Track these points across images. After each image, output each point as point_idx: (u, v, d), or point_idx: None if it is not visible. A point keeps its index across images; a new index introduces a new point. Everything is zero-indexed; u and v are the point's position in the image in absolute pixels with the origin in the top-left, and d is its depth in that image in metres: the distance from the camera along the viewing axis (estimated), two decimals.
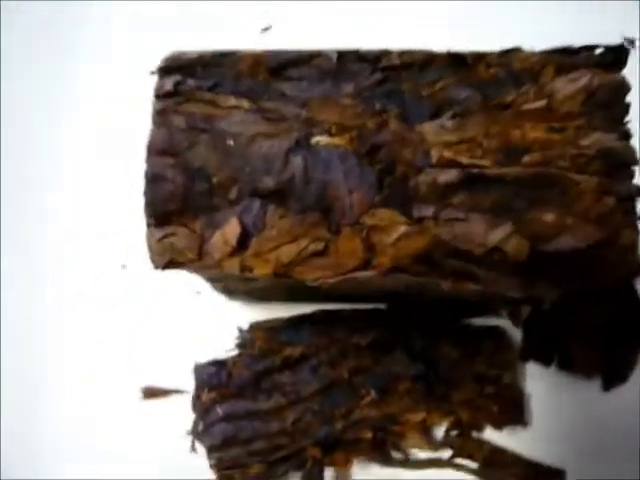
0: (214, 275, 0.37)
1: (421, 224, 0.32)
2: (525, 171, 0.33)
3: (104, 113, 0.60)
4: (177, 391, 0.53)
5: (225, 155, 0.33)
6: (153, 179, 0.33)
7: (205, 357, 0.52)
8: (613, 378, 0.53)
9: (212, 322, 0.55)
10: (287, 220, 0.33)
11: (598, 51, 0.35)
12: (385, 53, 0.34)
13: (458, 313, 0.52)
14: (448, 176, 0.33)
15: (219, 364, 0.50)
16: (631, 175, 0.33)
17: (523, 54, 0.35)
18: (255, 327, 0.52)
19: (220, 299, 0.54)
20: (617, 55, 0.35)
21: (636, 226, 0.32)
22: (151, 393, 0.53)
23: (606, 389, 0.53)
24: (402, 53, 0.34)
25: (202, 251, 0.33)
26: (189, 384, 0.51)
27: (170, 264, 0.33)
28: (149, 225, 0.33)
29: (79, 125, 0.60)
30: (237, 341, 0.52)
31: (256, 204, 0.33)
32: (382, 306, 0.52)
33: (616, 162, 0.33)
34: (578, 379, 0.53)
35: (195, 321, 0.55)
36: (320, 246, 0.33)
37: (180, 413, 0.51)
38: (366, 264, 0.32)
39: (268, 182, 0.33)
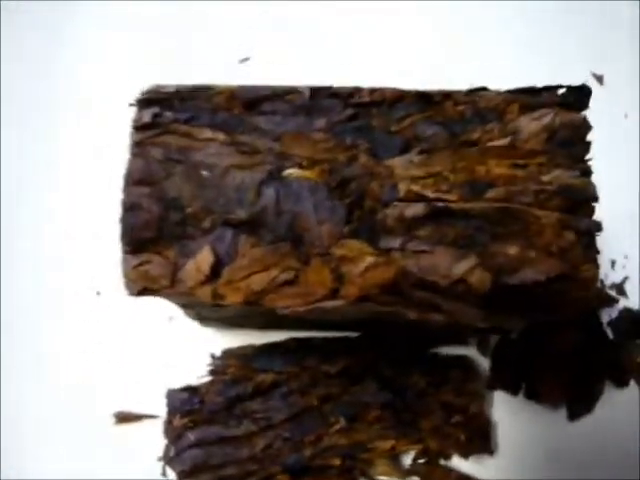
0: (187, 302, 0.38)
1: (388, 255, 0.33)
2: (489, 206, 0.34)
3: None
4: (149, 416, 0.53)
5: (200, 186, 0.34)
6: (130, 208, 0.34)
7: (178, 383, 0.52)
8: (579, 408, 0.54)
9: (185, 348, 0.55)
10: (259, 250, 0.34)
11: (561, 91, 0.37)
12: (357, 90, 0.36)
13: (427, 342, 0.53)
14: (415, 209, 0.34)
15: (191, 390, 0.50)
16: (591, 211, 0.34)
17: (489, 93, 0.36)
18: (228, 354, 0.52)
19: (193, 325, 0.55)
20: (579, 95, 0.36)
21: (596, 260, 0.34)
22: (123, 418, 0.53)
23: (572, 419, 0.54)
24: (373, 90, 0.35)
25: (175, 279, 0.34)
26: (162, 409, 0.52)
27: (144, 291, 0.34)
28: (125, 252, 0.34)
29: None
30: (210, 367, 0.52)
31: (229, 234, 0.34)
32: (352, 335, 0.53)
33: (576, 198, 0.34)
34: (544, 408, 0.54)
35: (168, 347, 0.56)
36: (290, 275, 0.33)
37: (152, 438, 0.52)
38: (335, 293, 0.33)
39: (241, 213, 0.34)
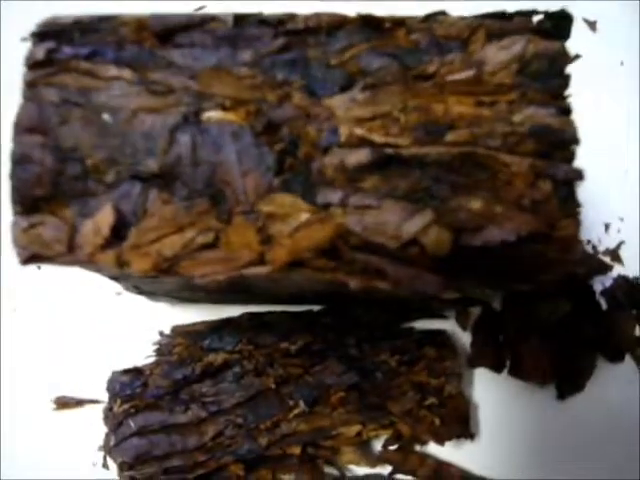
0: (93, 271, 0.32)
1: (326, 211, 0.28)
2: (448, 151, 0.28)
3: None
4: (92, 401, 0.48)
5: (102, 133, 0.29)
6: (19, 161, 0.29)
7: (126, 364, 0.47)
8: (569, 386, 0.49)
9: (134, 325, 0.50)
10: (171, 207, 0.28)
11: (536, 18, 0.31)
12: (289, 17, 0.30)
13: (398, 316, 0.47)
14: (358, 157, 0.28)
15: (134, 372, 0.45)
16: (570, 156, 0.28)
17: (449, 18, 0.30)
18: (176, 331, 0.47)
19: (143, 300, 0.49)
20: (558, 23, 0.31)
21: (576, 215, 0.28)
22: (64, 403, 0.48)
23: (561, 398, 0.49)
24: (308, 17, 0.30)
25: (73, 243, 0.28)
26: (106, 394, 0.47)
27: (35, 258, 0.28)
28: (15, 213, 0.29)
29: None
30: (155, 346, 0.47)
31: (136, 189, 0.28)
32: (314, 308, 0.48)
33: (553, 141, 0.28)
34: (531, 387, 0.49)
35: (115, 324, 0.51)
36: (209, 238, 0.28)
37: (94, 425, 0.47)
38: (262, 258, 0.28)
39: (150, 164, 0.28)
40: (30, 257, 0.28)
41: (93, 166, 0.29)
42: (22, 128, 0.29)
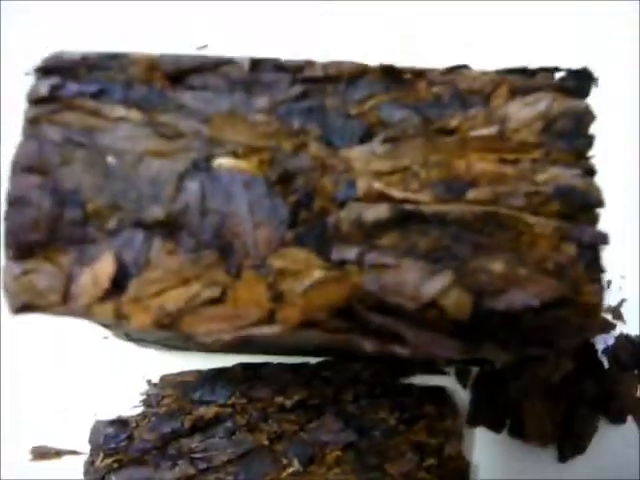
0: (90, 322, 0.30)
1: (341, 269, 0.26)
2: (470, 209, 0.27)
3: None
4: (71, 452, 0.45)
5: (105, 176, 0.27)
6: (15, 202, 0.27)
7: (111, 414, 0.45)
8: (570, 447, 0.48)
9: (120, 372, 0.48)
10: (176, 258, 0.26)
11: (559, 75, 0.30)
12: (308, 63, 0.28)
13: (397, 371, 0.46)
14: (376, 212, 0.27)
15: (119, 424, 0.43)
16: (594, 219, 0.27)
17: (472, 72, 0.29)
18: (165, 381, 0.45)
19: (130, 346, 0.47)
20: (581, 81, 0.30)
21: (601, 281, 0.27)
22: (42, 454, 0.45)
23: (562, 460, 0.47)
24: (327, 64, 0.28)
25: (68, 293, 0.26)
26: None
27: (27, 307, 0.26)
28: (7, 258, 0.27)
29: None
30: (143, 397, 0.44)
31: (139, 237, 0.27)
32: (311, 361, 0.46)
33: (578, 203, 0.27)
34: (532, 448, 0.47)
35: (101, 370, 0.48)
36: (216, 292, 0.26)
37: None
38: (272, 317, 0.26)
39: (156, 211, 0.27)
40: (22, 307, 0.26)
41: (94, 211, 0.27)
42: (20, 167, 0.27)
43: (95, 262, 0.26)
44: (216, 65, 0.28)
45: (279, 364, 0.45)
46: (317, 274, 0.26)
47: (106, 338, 0.48)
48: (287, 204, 0.27)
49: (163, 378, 0.45)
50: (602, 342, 0.50)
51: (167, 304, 0.26)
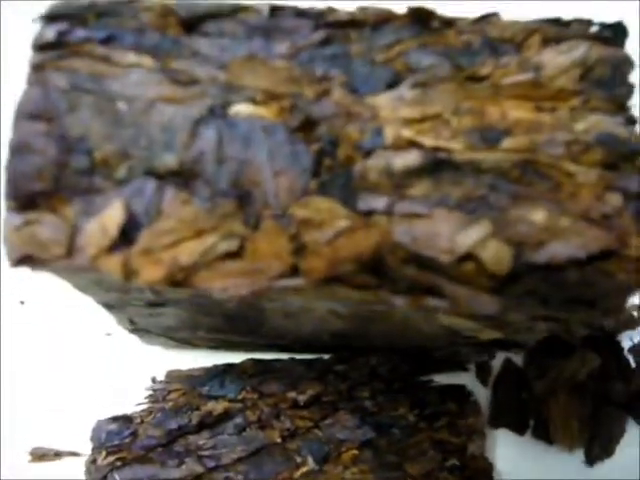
0: (94, 284, 0.28)
1: (369, 219, 0.24)
2: (506, 157, 0.25)
3: None
4: (72, 453, 0.43)
5: (115, 123, 0.25)
6: (18, 149, 0.25)
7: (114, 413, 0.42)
8: (597, 450, 0.45)
9: (125, 371, 0.46)
10: (190, 208, 0.24)
11: (593, 28, 0.28)
12: (331, 10, 0.27)
13: (417, 368, 0.43)
14: (406, 160, 0.25)
15: (123, 420, 0.40)
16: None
17: (503, 21, 0.28)
18: (172, 376, 0.42)
19: (136, 343, 0.45)
20: (614, 33, 0.28)
21: None
22: (41, 455, 0.43)
23: (590, 463, 0.45)
24: (352, 12, 0.27)
25: (73, 246, 0.24)
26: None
27: (28, 260, 0.24)
28: (8, 208, 0.25)
29: None
30: (149, 393, 0.42)
31: (150, 186, 0.25)
32: (326, 357, 0.43)
33: (621, 151, 0.25)
34: (557, 451, 0.45)
35: (104, 369, 0.46)
36: (233, 245, 0.24)
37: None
38: (294, 270, 0.24)
39: (168, 159, 0.25)
40: (22, 259, 0.24)
41: (102, 159, 0.25)
42: (24, 114, 0.25)
43: (103, 212, 0.24)
44: (233, 11, 0.27)
45: (292, 358, 0.43)
46: (343, 224, 0.24)
47: (109, 335, 0.46)
48: (310, 152, 0.25)
49: (170, 373, 0.43)
50: (628, 340, 0.48)
51: (180, 257, 0.24)
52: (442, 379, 0.45)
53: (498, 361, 0.47)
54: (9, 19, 0.53)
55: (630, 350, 0.48)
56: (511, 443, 0.46)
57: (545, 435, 0.45)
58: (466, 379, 0.46)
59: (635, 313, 0.48)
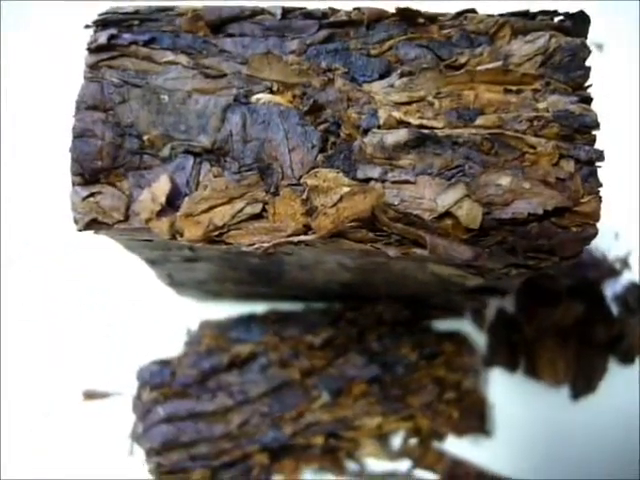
0: (144, 243, 0.34)
1: (366, 186, 0.30)
2: (479, 132, 0.30)
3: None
4: (118, 393, 0.49)
5: (159, 111, 0.31)
6: (80, 135, 0.31)
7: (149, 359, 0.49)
8: (582, 386, 0.51)
9: (163, 322, 0.52)
10: (222, 180, 0.30)
11: (557, 19, 0.33)
12: (332, 10, 0.32)
13: (418, 315, 0.49)
14: (396, 136, 0.30)
15: (163, 363, 0.47)
16: (592, 140, 0.31)
17: (478, 16, 0.33)
18: (204, 324, 0.49)
19: (171, 297, 0.51)
20: (577, 23, 0.33)
21: (598, 193, 0.30)
22: (91, 395, 0.49)
23: (575, 398, 0.51)
24: (350, 11, 0.32)
25: (129, 212, 0.30)
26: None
27: (93, 223, 0.30)
28: (74, 183, 0.31)
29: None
30: (185, 340, 0.48)
31: (189, 163, 0.31)
32: (337, 305, 0.49)
33: (576, 125, 0.31)
34: (545, 387, 0.51)
35: (145, 321, 0.52)
36: (257, 208, 0.30)
37: (122, 416, 0.48)
38: (306, 229, 0.30)
39: (203, 140, 0.31)
40: (88, 223, 0.30)
41: (149, 141, 0.31)
42: (84, 105, 0.31)
43: (152, 185, 0.30)
44: (252, 14, 0.32)
45: (308, 307, 0.49)
46: (345, 190, 0.30)
47: (147, 291, 0.52)
48: (318, 131, 0.31)
49: (202, 322, 0.49)
50: (611, 289, 0.53)
51: (215, 219, 0.30)
52: (444, 326, 0.51)
53: (492, 309, 0.53)
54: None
55: (613, 299, 0.53)
56: (504, 380, 0.51)
57: (535, 373, 0.51)
58: (466, 325, 0.52)
59: (617, 264, 0.54)
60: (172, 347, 0.50)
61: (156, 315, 0.52)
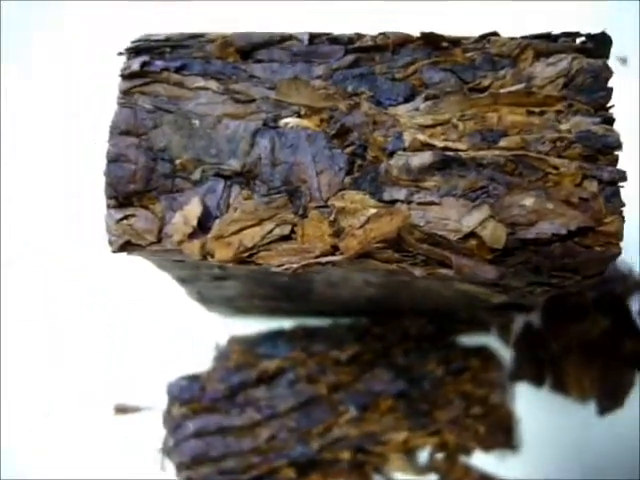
0: (175, 264, 0.35)
1: (392, 207, 0.31)
2: (503, 154, 0.31)
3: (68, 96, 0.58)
4: (148, 407, 0.50)
5: (190, 136, 0.32)
6: (114, 159, 0.32)
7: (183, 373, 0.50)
8: (609, 402, 0.51)
9: (191, 338, 0.53)
10: (252, 202, 0.31)
11: (579, 40, 0.34)
12: (358, 36, 0.33)
13: (444, 329, 0.50)
14: (421, 159, 0.31)
15: (192, 378, 0.48)
16: (614, 160, 0.31)
17: (501, 39, 0.33)
18: (233, 340, 0.49)
19: (200, 313, 0.52)
20: (599, 43, 0.34)
21: (621, 212, 0.31)
22: (123, 409, 0.50)
23: (601, 413, 0.51)
24: (376, 36, 0.33)
25: (161, 234, 0.31)
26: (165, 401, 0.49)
27: (127, 245, 0.31)
28: (108, 206, 0.32)
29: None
30: (214, 355, 0.49)
31: (220, 186, 0.32)
32: (363, 321, 0.50)
33: (598, 146, 0.31)
34: (572, 402, 0.51)
35: (174, 336, 0.53)
36: (286, 230, 0.31)
37: (152, 430, 0.49)
38: (334, 250, 0.31)
39: (233, 163, 0.32)
40: (122, 245, 0.31)
41: (181, 165, 0.32)
42: (118, 131, 0.32)
43: (184, 207, 0.31)
44: (280, 40, 0.33)
45: (334, 323, 0.50)
46: (371, 211, 0.30)
47: (176, 307, 0.53)
48: (344, 154, 0.31)
49: (231, 338, 0.50)
50: (637, 303, 0.53)
51: (245, 241, 0.31)
52: (471, 341, 0.51)
53: (519, 324, 0.53)
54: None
55: (639, 312, 0.53)
56: (530, 395, 0.51)
57: (561, 388, 0.51)
58: (491, 340, 0.52)
59: None
60: (201, 362, 0.51)
61: (185, 331, 0.53)
